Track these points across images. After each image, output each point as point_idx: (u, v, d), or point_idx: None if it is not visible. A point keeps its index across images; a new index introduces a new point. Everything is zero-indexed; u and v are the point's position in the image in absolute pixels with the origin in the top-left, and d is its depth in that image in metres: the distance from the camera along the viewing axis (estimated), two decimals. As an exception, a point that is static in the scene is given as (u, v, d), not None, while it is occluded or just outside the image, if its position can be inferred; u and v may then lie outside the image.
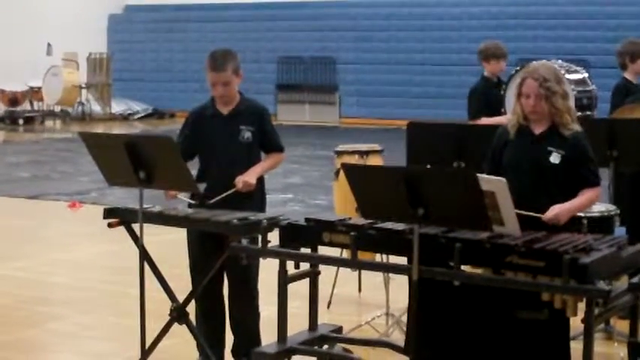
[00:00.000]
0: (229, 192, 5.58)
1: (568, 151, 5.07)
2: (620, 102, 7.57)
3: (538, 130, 5.17)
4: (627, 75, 7.87)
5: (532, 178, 5.09)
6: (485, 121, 8.23)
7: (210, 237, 5.52)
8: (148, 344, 5.45)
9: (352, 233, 4.86)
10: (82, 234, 10.31)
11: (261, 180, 5.82)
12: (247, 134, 5.74)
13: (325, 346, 5.50)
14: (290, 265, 5.21)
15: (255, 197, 5.75)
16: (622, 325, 6.12)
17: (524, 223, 4.68)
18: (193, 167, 5.67)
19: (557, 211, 4.95)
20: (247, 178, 5.62)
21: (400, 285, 6.12)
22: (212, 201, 5.57)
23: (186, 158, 5.72)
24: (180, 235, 5.86)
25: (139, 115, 25.25)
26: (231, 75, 5.67)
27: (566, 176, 5.07)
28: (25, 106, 24.32)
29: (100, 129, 22.06)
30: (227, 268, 5.68)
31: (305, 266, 5.34)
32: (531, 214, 4.87)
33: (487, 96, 8.50)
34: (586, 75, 9.34)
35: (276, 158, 5.93)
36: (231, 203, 5.51)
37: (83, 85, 24.57)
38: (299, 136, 19.52)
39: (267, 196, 6.00)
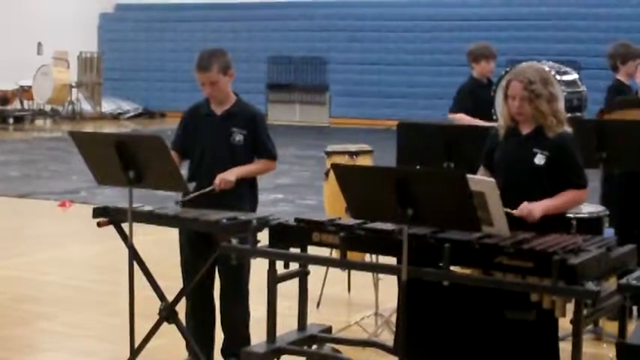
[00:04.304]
0: (205, 190, 5.53)
1: (552, 152, 5.04)
2: (614, 100, 7.58)
3: (525, 130, 5.17)
4: (619, 77, 7.87)
5: (518, 178, 5.08)
6: (460, 117, 8.25)
7: (201, 236, 5.51)
8: (137, 343, 5.43)
9: (341, 233, 4.86)
10: (72, 233, 10.30)
11: (253, 180, 5.81)
12: (239, 137, 5.69)
13: (314, 346, 5.49)
14: (279, 265, 5.20)
15: (247, 197, 5.74)
16: (611, 326, 6.13)
17: (514, 223, 4.69)
18: (184, 167, 5.68)
19: (528, 206, 4.92)
20: (225, 175, 5.55)
21: (389, 285, 6.12)
22: (187, 198, 5.56)
23: (181, 157, 5.72)
24: (170, 234, 5.85)
25: (130, 115, 25.25)
26: (217, 74, 5.62)
27: (551, 177, 5.06)
28: (16, 105, 24.32)
29: (90, 128, 22.06)
30: (218, 267, 5.67)
31: (294, 266, 5.34)
32: (507, 209, 4.77)
33: (474, 96, 8.49)
34: (577, 76, 9.37)
35: (265, 164, 5.83)
36: (223, 202, 5.49)
37: (73, 84, 24.55)
38: (289, 136, 19.52)
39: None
